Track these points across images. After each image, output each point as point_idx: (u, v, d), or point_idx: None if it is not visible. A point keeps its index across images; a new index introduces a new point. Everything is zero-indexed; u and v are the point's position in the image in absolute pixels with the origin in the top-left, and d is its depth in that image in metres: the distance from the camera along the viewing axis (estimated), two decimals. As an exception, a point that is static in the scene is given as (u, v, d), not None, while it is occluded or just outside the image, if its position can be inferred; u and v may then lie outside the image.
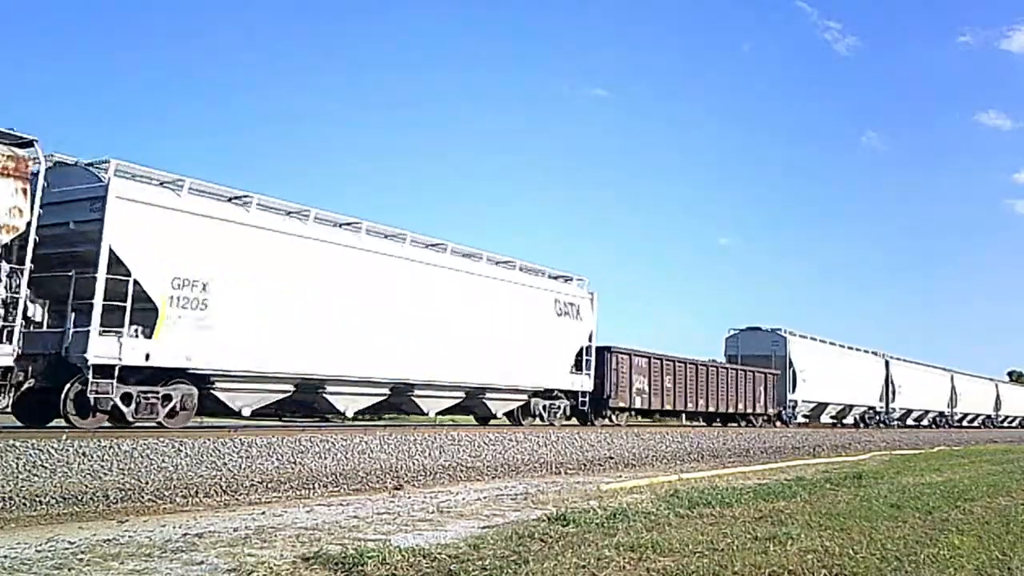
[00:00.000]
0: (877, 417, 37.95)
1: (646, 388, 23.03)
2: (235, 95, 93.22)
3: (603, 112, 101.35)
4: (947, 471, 16.28)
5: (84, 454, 9.67)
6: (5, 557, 5.89)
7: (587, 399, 20.43)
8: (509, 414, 19.18)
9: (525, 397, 19.12)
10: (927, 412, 43.85)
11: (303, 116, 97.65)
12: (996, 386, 55.07)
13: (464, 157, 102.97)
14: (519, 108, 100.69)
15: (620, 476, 14.33)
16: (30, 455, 9.26)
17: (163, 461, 10.29)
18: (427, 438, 14.07)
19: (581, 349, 20.32)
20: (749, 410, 28.23)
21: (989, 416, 52.18)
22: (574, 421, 21.37)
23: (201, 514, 8.76)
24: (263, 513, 8.69)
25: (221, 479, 10.61)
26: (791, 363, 30.77)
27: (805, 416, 32.55)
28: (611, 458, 17.32)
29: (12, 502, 8.68)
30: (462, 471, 13.78)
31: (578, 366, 20.22)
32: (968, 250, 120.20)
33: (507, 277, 18.56)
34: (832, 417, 35.22)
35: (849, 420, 36.31)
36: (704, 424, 26.71)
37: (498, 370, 17.68)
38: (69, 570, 5.49)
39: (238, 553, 6.12)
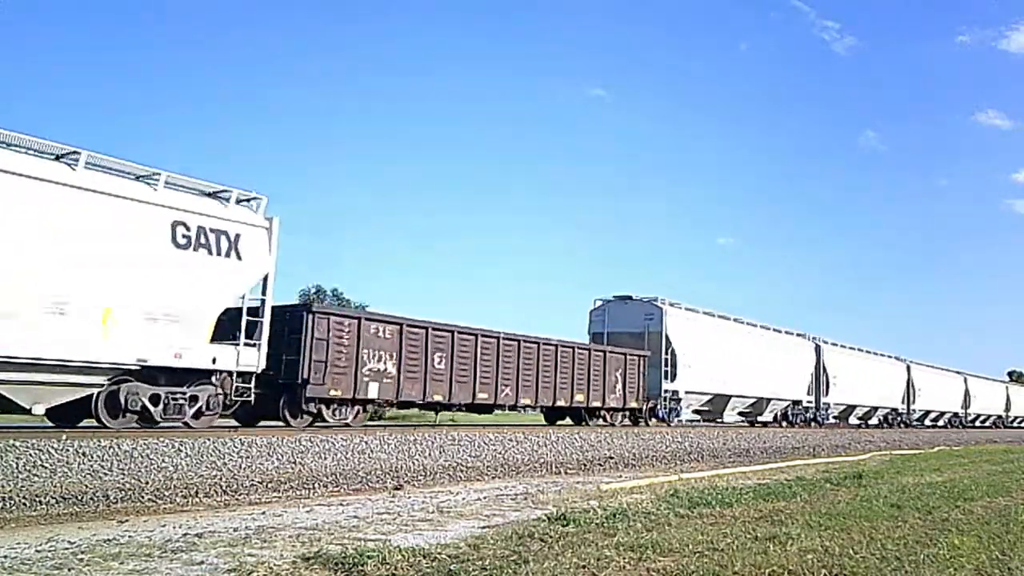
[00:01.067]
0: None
1: (392, 370, 15.69)
2: (234, 95, 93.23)
3: (601, 112, 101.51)
4: (947, 471, 16.27)
5: (84, 454, 9.67)
6: (5, 557, 5.90)
7: (253, 383, 13.36)
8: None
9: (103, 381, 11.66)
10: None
11: (302, 115, 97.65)
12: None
13: (463, 157, 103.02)
14: (517, 108, 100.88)
15: (620, 476, 14.33)
16: (30, 455, 9.26)
17: (163, 461, 10.30)
18: (427, 438, 14.07)
19: (239, 307, 13.29)
20: (598, 403, 21.13)
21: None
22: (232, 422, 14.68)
23: (201, 514, 8.76)
24: (263, 513, 8.69)
25: (221, 479, 10.61)
26: (668, 342, 23.57)
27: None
28: (611, 458, 17.32)
29: (12, 502, 8.68)
30: (462, 471, 13.78)
31: (235, 334, 13.17)
32: (967, 250, 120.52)
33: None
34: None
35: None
36: (546, 424, 21.17)
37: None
38: (69, 570, 5.49)
39: (238, 553, 6.13)
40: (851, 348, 35.94)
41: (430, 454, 13.75)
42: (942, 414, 45.88)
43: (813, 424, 31.27)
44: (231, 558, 5.93)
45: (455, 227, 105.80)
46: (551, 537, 6.80)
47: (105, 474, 9.65)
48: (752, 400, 28.08)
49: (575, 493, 10.92)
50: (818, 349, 32.32)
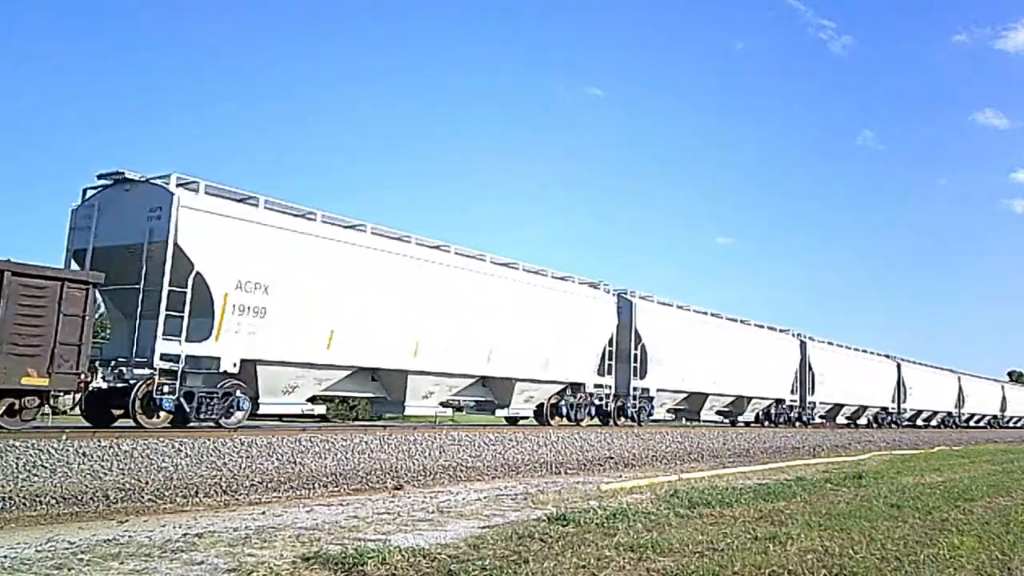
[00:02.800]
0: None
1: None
2: (234, 96, 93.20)
3: (599, 111, 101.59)
4: (947, 471, 16.28)
5: (84, 454, 9.67)
6: (5, 557, 5.89)
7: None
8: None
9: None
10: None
11: (299, 117, 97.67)
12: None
13: (460, 156, 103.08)
14: (514, 108, 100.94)
15: (620, 476, 14.33)
16: (30, 455, 9.26)
17: (163, 461, 10.30)
18: (427, 438, 14.07)
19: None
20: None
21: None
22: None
23: (201, 514, 8.76)
24: (263, 513, 8.69)
25: (221, 479, 10.61)
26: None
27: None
28: (611, 458, 17.33)
29: (12, 502, 8.68)
30: (462, 471, 13.78)
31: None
32: (967, 250, 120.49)
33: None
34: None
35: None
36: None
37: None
38: (69, 570, 5.49)
39: (238, 553, 6.12)
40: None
41: (430, 454, 13.75)
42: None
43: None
44: (231, 558, 5.93)
45: (454, 226, 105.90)
46: (551, 537, 6.80)
47: (105, 474, 9.65)
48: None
49: (575, 493, 10.91)
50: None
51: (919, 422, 42.84)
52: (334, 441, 12.55)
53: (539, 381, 19.04)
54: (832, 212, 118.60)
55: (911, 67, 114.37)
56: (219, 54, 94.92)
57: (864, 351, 37.41)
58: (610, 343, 21.13)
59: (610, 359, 21.14)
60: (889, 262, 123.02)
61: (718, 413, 27.01)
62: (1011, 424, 56.99)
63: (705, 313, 26.10)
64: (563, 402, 20.18)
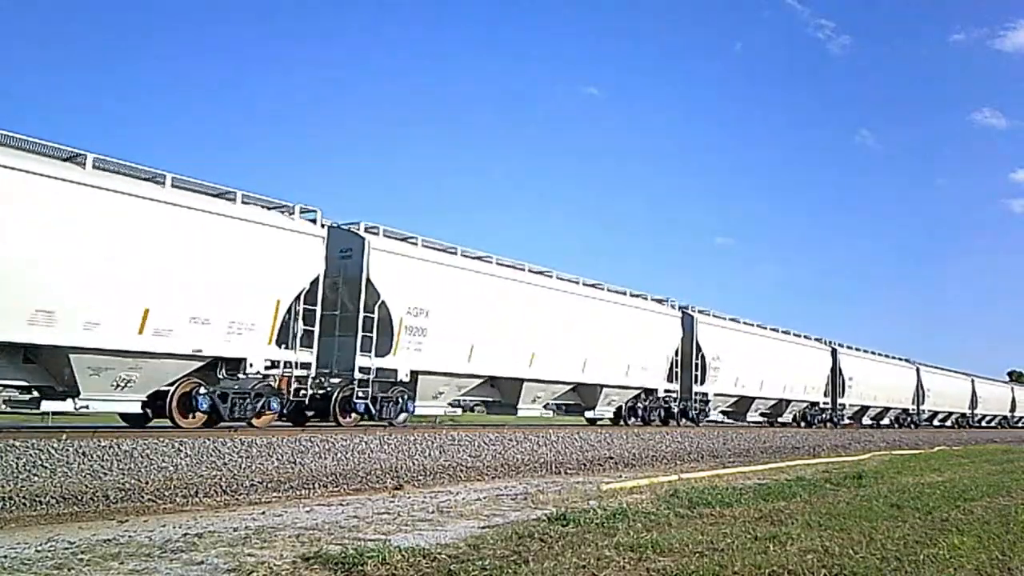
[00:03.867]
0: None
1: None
2: (233, 95, 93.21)
3: (596, 111, 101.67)
4: (947, 471, 16.28)
5: (84, 454, 9.66)
6: (5, 557, 5.89)
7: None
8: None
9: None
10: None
11: (298, 116, 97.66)
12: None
13: (458, 156, 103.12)
14: (511, 107, 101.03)
15: (620, 476, 14.33)
16: (30, 455, 9.26)
17: (163, 461, 10.29)
18: (427, 438, 14.07)
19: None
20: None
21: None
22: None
23: (201, 514, 8.76)
24: (263, 513, 8.69)
25: (221, 479, 10.60)
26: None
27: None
28: (611, 458, 17.32)
29: (12, 502, 8.67)
30: (462, 471, 13.78)
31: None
32: (965, 250, 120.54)
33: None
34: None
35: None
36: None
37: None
38: (69, 570, 5.49)
39: (238, 553, 6.12)
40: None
41: (430, 454, 13.74)
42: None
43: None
44: (231, 558, 5.93)
45: (453, 225, 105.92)
46: (551, 537, 6.80)
47: (105, 474, 9.64)
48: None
49: (575, 493, 10.91)
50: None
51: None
52: (334, 441, 12.55)
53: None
54: (830, 212, 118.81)
55: (909, 67, 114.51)
56: (219, 54, 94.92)
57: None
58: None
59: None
60: (888, 262, 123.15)
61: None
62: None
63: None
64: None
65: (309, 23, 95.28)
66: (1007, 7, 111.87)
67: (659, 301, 23.59)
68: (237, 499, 10.23)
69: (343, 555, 5.84)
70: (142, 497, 9.64)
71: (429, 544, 6.45)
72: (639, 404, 22.76)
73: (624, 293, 22.11)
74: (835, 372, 33.47)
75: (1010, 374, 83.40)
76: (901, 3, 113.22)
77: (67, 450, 9.56)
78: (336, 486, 11.65)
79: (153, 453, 10.27)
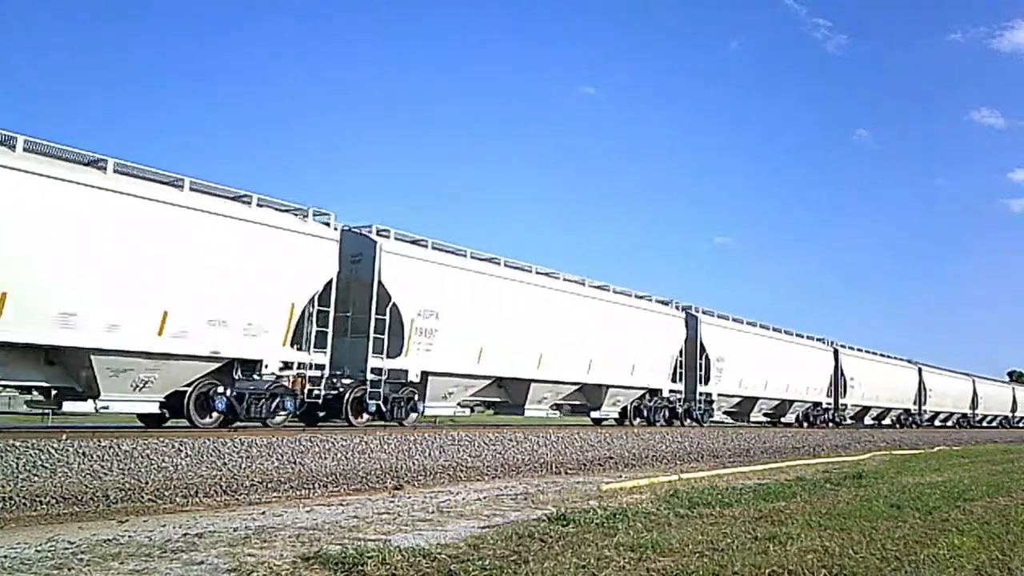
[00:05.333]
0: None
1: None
2: (231, 96, 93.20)
3: (593, 110, 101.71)
4: (947, 471, 16.27)
5: (84, 454, 9.67)
6: (5, 557, 5.89)
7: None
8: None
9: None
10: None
11: (301, 116, 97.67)
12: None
13: (457, 156, 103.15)
14: (507, 107, 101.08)
15: (620, 476, 14.32)
16: (30, 455, 9.26)
17: (163, 461, 10.29)
18: (427, 438, 14.07)
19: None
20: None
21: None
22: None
23: (201, 514, 8.75)
24: (263, 513, 8.69)
25: (221, 479, 10.60)
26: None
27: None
28: (611, 458, 17.32)
29: (12, 502, 8.67)
30: (462, 471, 13.77)
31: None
32: (964, 250, 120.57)
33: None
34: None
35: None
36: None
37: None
38: (69, 570, 5.49)
39: (238, 553, 6.12)
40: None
41: (430, 454, 13.74)
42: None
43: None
44: (231, 558, 5.93)
45: (452, 224, 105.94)
46: (551, 537, 6.80)
47: (105, 474, 9.64)
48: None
49: (575, 493, 10.91)
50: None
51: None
52: (334, 441, 12.55)
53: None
54: (828, 211, 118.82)
55: (907, 66, 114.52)
56: (219, 55, 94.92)
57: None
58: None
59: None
60: (887, 262, 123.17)
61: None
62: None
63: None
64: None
65: (306, 23, 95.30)
66: (1004, 7, 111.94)
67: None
68: (237, 499, 10.23)
69: (343, 555, 5.83)
70: (142, 497, 9.65)
71: (429, 544, 6.45)
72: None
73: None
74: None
75: (1010, 374, 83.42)
76: (898, 2, 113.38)
77: (67, 450, 9.57)
78: (336, 486, 11.65)
79: (153, 453, 10.27)
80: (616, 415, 22.39)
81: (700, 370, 24.64)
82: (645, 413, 23.11)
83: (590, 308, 20.31)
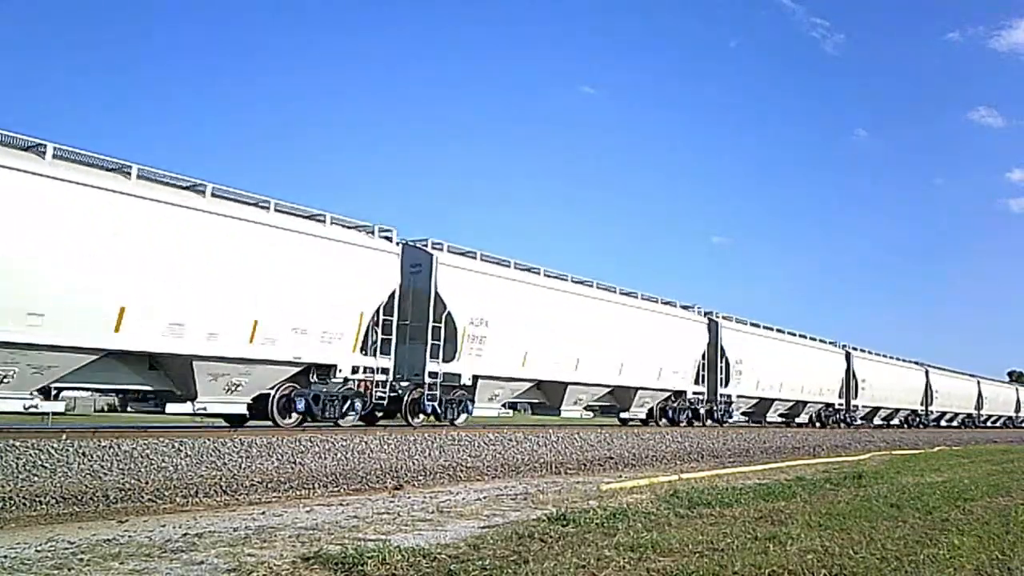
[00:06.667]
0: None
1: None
2: (231, 97, 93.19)
3: (591, 110, 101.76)
4: (947, 471, 16.27)
5: (84, 454, 9.67)
6: (5, 557, 5.89)
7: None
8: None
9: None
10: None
11: (302, 115, 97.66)
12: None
13: (455, 155, 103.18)
14: (506, 106, 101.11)
15: (620, 476, 14.32)
16: (30, 455, 9.26)
17: (163, 461, 10.29)
18: (427, 438, 14.07)
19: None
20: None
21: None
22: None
23: (201, 514, 8.75)
24: (263, 513, 8.68)
25: (221, 479, 10.60)
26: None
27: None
28: (611, 458, 17.32)
29: (12, 502, 8.67)
30: (462, 471, 13.77)
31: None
32: (963, 250, 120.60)
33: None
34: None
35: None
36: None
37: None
38: (69, 570, 5.49)
39: (238, 553, 6.12)
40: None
41: (430, 454, 13.74)
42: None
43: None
44: (231, 558, 5.93)
45: (452, 223, 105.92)
46: (551, 537, 6.80)
47: (105, 474, 9.64)
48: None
49: (575, 493, 10.91)
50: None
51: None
52: (334, 441, 12.55)
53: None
54: (827, 211, 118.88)
55: (904, 65, 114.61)
56: (218, 54, 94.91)
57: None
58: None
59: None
60: (885, 261, 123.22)
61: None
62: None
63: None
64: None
65: (304, 24, 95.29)
66: (1001, 6, 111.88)
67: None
68: (237, 499, 10.23)
69: (343, 555, 5.83)
70: (142, 497, 9.65)
71: (429, 544, 6.45)
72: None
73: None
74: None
75: (1010, 374, 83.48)
76: (895, 2, 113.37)
77: (67, 450, 9.56)
78: (336, 486, 11.65)
79: (153, 453, 10.27)
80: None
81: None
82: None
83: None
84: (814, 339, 32.88)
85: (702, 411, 25.24)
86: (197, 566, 5.69)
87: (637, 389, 22.06)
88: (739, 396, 26.76)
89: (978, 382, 52.37)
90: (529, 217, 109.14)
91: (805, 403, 31.53)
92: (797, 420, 31.53)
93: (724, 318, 26.40)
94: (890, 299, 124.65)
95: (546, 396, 19.74)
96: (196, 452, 10.69)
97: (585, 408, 21.11)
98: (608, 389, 21.16)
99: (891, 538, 7.20)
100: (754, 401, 28.36)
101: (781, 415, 30.94)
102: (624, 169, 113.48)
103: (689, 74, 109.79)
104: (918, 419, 43.22)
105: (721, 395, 25.67)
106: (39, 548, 6.27)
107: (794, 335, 31.40)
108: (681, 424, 24.06)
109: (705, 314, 25.61)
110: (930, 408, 44.00)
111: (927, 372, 44.00)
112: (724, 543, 6.64)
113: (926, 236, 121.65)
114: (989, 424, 54.59)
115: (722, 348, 25.60)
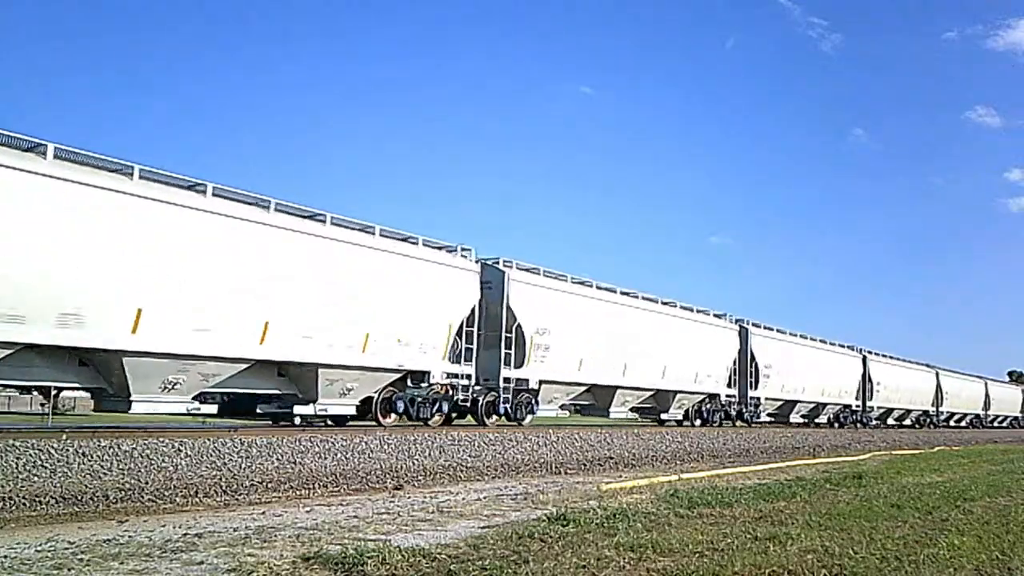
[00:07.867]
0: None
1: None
2: (232, 98, 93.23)
3: (589, 110, 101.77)
4: (947, 471, 16.27)
5: (84, 454, 9.67)
6: (5, 557, 5.88)
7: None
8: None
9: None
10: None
11: (302, 116, 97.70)
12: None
13: (455, 155, 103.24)
14: (505, 106, 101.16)
15: (620, 476, 14.31)
16: (30, 455, 9.26)
17: (163, 461, 10.30)
18: (427, 438, 14.07)
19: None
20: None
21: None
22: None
23: (201, 514, 8.75)
24: (263, 513, 8.68)
25: (221, 479, 10.61)
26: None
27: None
28: (611, 458, 17.32)
29: (12, 502, 8.67)
30: (462, 471, 13.77)
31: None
32: (962, 250, 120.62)
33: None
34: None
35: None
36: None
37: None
38: (69, 570, 5.49)
39: (238, 553, 6.11)
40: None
41: (430, 454, 13.74)
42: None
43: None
44: (231, 558, 5.92)
45: (453, 223, 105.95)
46: (551, 537, 6.79)
47: (105, 474, 9.64)
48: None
49: (575, 493, 10.91)
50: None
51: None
52: (334, 441, 12.55)
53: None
54: (825, 211, 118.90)
55: (902, 65, 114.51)
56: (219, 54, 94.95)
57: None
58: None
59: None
60: (884, 261, 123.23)
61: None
62: None
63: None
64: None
65: (301, 24, 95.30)
66: (999, 6, 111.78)
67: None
68: (237, 499, 10.23)
69: (343, 555, 5.83)
70: (142, 497, 9.65)
71: (429, 544, 6.45)
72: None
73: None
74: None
75: (1010, 374, 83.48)
76: (893, 1, 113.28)
77: (67, 450, 9.57)
78: (336, 486, 11.65)
79: (153, 453, 10.27)
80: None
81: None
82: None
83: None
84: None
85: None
86: (197, 566, 5.69)
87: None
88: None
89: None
90: (529, 217, 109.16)
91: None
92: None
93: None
94: (889, 299, 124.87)
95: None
96: (196, 452, 10.69)
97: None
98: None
99: (891, 538, 7.20)
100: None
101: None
102: (622, 168, 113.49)
103: (687, 74, 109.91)
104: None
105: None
106: (39, 548, 6.26)
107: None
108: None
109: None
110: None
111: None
112: (724, 543, 6.64)
113: (924, 236, 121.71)
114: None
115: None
